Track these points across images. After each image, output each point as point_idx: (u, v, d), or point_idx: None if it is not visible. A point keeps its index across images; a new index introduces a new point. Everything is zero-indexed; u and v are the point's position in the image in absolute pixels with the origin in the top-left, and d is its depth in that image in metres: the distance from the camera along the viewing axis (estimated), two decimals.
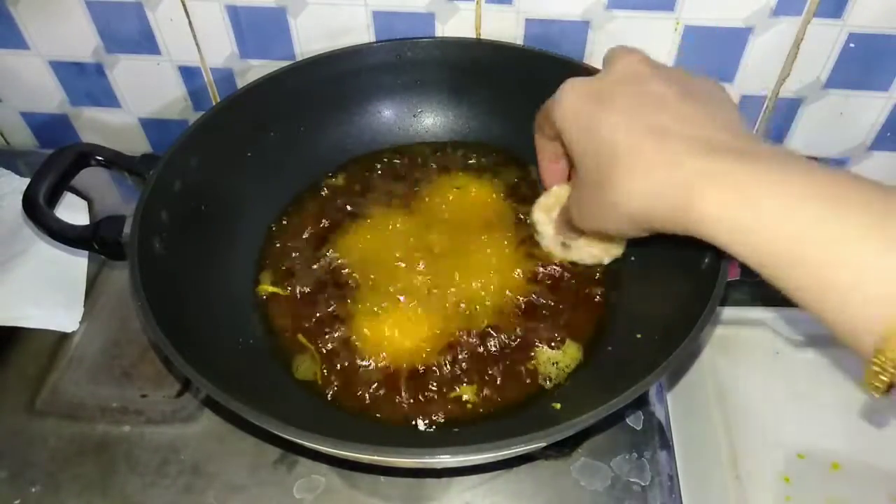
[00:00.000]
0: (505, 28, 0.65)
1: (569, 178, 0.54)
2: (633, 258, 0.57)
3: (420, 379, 0.51)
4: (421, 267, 0.56)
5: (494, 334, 0.53)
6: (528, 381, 0.52)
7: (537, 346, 0.53)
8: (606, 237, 0.52)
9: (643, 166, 0.36)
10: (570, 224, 0.48)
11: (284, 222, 0.62)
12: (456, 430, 0.49)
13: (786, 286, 0.32)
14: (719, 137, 0.36)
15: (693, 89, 0.39)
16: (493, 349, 0.53)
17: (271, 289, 0.57)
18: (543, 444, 0.45)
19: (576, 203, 0.44)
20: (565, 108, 0.41)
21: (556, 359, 0.52)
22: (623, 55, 0.41)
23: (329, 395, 0.51)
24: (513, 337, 0.53)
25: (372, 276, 0.57)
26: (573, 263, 0.56)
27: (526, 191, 0.63)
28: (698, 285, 0.46)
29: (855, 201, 0.30)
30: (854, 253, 0.30)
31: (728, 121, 0.37)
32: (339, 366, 0.52)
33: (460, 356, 0.52)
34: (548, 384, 0.52)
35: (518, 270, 0.56)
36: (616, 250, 0.54)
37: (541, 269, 0.56)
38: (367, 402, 0.51)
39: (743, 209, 0.32)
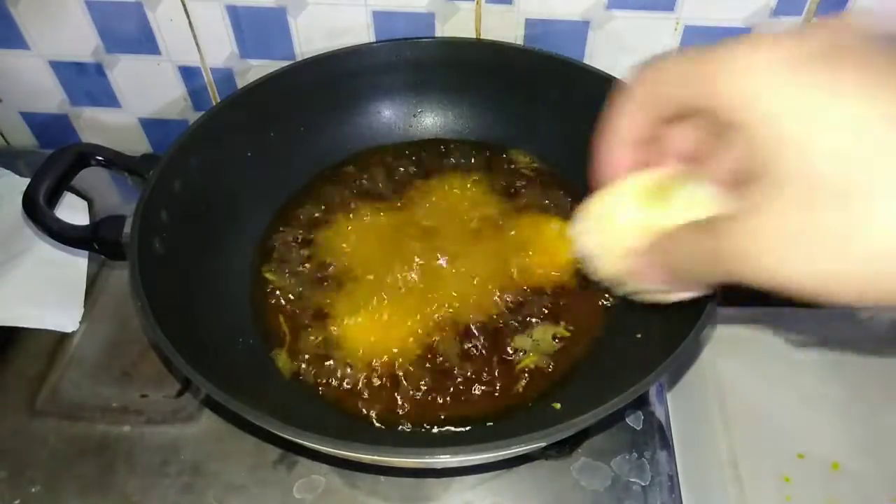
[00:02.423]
0: (505, 28, 0.65)
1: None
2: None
3: (412, 377, 0.52)
4: (418, 266, 0.57)
5: (485, 332, 0.53)
6: (505, 362, 0.52)
7: (518, 332, 0.53)
8: None
9: None
10: (676, 272, 0.33)
11: (284, 221, 0.62)
12: (452, 427, 0.49)
13: None
14: None
15: None
16: (483, 346, 0.53)
17: (271, 276, 0.58)
18: (543, 444, 0.45)
19: (752, 232, 0.27)
20: (763, 81, 0.26)
21: (532, 334, 0.53)
22: (823, 21, 0.28)
23: (323, 393, 0.51)
24: (501, 332, 0.53)
25: (370, 276, 0.57)
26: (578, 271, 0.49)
27: (525, 191, 0.63)
28: None
29: None
30: None
31: None
32: (333, 364, 0.52)
33: (449, 354, 0.52)
34: (520, 356, 0.52)
35: (514, 271, 0.56)
36: None
37: (538, 272, 0.56)
38: (361, 400, 0.51)
39: None
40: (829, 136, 0.25)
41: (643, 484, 0.52)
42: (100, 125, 0.78)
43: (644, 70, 0.32)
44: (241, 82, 0.72)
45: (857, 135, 0.24)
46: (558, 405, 0.50)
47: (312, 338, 0.54)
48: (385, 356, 0.52)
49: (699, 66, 0.29)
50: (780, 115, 0.26)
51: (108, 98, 0.75)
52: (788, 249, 0.26)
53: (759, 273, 0.27)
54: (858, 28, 0.27)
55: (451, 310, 0.54)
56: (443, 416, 0.50)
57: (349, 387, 0.51)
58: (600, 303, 0.55)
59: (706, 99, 0.28)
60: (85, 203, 0.71)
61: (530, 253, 0.57)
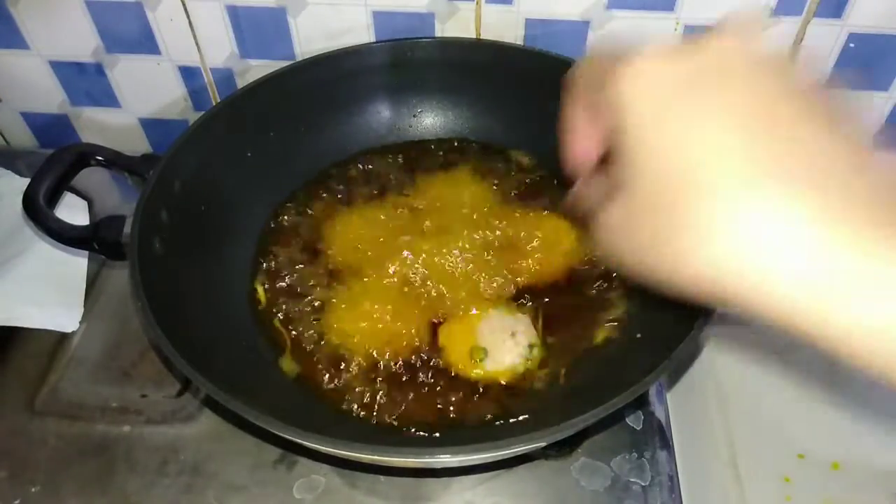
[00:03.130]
0: (505, 28, 0.65)
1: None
2: None
3: (413, 377, 0.52)
4: (418, 266, 0.57)
5: None
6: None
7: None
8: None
9: (741, 222, 0.26)
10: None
11: (284, 221, 0.62)
12: (452, 427, 0.49)
13: None
14: (854, 190, 0.26)
15: (809, 97, 0.28)
16: None
17: (261, 291, 0.57)
18: (543, 444, 0.45)
19: (619, 224, 0.31)
20: (640, 92, 0.28)
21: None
22: (719, 35, 0.29)
23: (323, 393, 0.51)
24: None
25: (371, 276, 0.57)
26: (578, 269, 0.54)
27: (524, 191, 0.63)
28: None
29: None
30: None
31: (855, 150, 0.27)
32: (333, 364, 0.53)
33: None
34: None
35: (514, 272, 0.56)
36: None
37: (538, 272, 0.56)
38: (360, 399, 0.51)
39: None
40: (681, 154, 0.27)
41: (643, 484, 0.52)
42: (100, 125, 0.78)
43: (577, 65, 0.35)
44: (241, 82, 0.72)
45: (706, 158, 0.26)
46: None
47: (313, 338, 0.54)
48: (386, 356, 0.52)
49: (608, 68, 0.30)
50: (646, 124, 0.28)
51: (108, 98, 0.75)
52: (624, 242, 0.30)
53: (605, 258, 0.32)
54: (742, 50, 0.28)
55: (451, 310, 0.54)
56: (442, 416, 0.50)
57: (349, 387, 0.51)
58: (599, 302, 0.55)
59: (607, 100, 0.30)
60: (85, 203, 0.71)
61: (530, 254, 0.57)
